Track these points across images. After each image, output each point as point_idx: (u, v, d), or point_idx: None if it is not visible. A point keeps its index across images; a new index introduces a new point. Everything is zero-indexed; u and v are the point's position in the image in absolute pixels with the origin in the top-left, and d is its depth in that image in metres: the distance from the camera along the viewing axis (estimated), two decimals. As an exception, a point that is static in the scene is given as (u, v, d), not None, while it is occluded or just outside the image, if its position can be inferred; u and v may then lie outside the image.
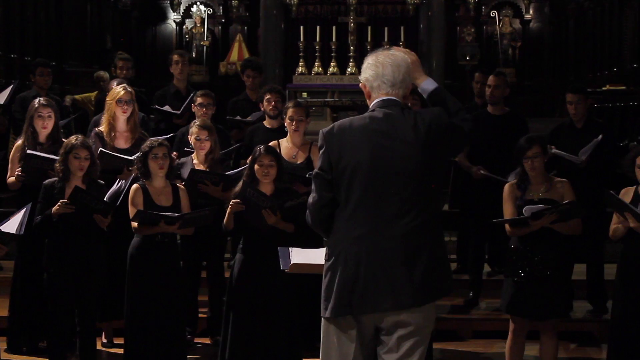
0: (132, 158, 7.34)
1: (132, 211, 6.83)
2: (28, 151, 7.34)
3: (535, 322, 6.68)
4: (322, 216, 4.58)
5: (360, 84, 4.69)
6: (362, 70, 4.65)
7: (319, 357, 4.71)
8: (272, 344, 6.82)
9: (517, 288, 6.56)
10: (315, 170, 4.60)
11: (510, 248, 6.65)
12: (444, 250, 4.63)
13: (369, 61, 4.62)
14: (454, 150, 4.83)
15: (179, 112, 9.09)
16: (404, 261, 4.42)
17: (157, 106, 9.30)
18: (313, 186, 4.60)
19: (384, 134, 4.48)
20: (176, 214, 6.75)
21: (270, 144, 7.51)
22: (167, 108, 9.20)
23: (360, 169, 4.45)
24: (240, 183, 6.91)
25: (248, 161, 7.08)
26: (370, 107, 4.62)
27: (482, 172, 8.33)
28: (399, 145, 4.46)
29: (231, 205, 6.77)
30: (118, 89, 7.76)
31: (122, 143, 7.70)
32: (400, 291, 4.41)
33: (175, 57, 9.71)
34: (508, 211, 6.67)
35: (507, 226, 6.63)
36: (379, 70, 4.58)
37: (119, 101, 7.66)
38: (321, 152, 4.55)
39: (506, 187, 6.76)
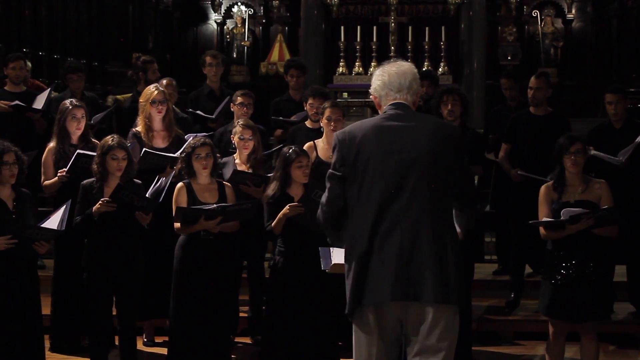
0: (176, 156, 7.39)
1: (175, 210, 6.86)
2: (78, 150, 7.38)
3: (575, 324, 6.63)
4: (335, 214, 4.69)
5: (370, 96, 4.84)
6: (372, 82, 4.81)
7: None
8: (311, 344, 6.82)
9: (555, 290, 6.51)
10: (330, 170, 4.71)
11: (548, 250, 6.60)
12: (454, 254, 4.62)
13: (377, 73, 4.80)
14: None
15: (213, 116, 9.09)
16: (411, 254, 4.50)
17: (191, 109, 9.31)
18: (327, 185, 4.71)
19: (397, 131, 4.60)
20: (216, 205, 6.76)
21: (306, 144, 7.54)
22: (200, 112, 9.20)
23: (371, 164, 4.56)
24: (272, 186, 6.89)
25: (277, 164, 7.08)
26: (381, 112, 4.76)
27: (520, 173, 8.29)
28: (411, 142, 4.57)
29: (289, 208, 6.75)
30: (151, 89, 7.80)
31: (159, 142, 7.74)
32: (402, 284, 4.49)
33: (208, 58, 9.71)
34: (543, 213, 6.61)
35: (541, 229, 6.58)
36: (385, 79, 4.73)
37: (152, 102, 7.70)
38: (335, 151, 4.68)
39: (542, 188, 6.70)
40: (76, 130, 7.60)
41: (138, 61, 10.02)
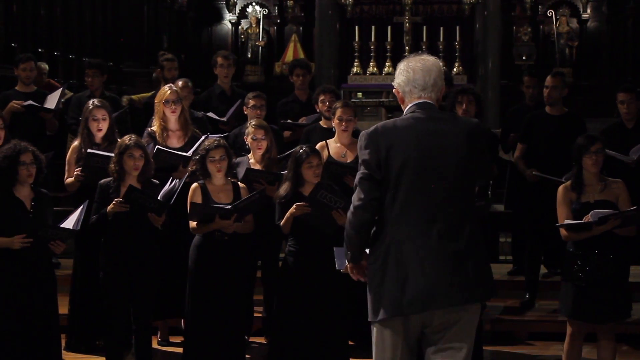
0: (188, 154, 7.40)
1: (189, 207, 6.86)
2: (88, 150, 7.41)
3: (594, 325, 6.61)
4: (370, 217, 4.58)
5: (393, 90, 4.75)
6: (395, 76, 4.73)
7: (369, 359, 4.74)
8: (321, 344, 6.82)
9: (577, 292, 6.49)
10: (361, 171, 4.60)
11: (569, 252, 6.57)
12: (486, 252, 4.65)
13: (401, 67, 4.71)
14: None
15: (225, 119, 9.09)
16: (452, 260, 4.46)
17: (202, 112, 9.29)
18: (361, 188, 4.58)
19: (430, 133, 4.53)
20: (228, 205, 6.77)
21: (318, 144, 7.53)
22: (211, 114, 9.21)
23: (408, 168, 4.48)
24: (285, 186, 6.90)
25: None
26: (405, 111, 4.67)
27: (535, 173, 8.27)
28: (444, 145, 4.51)
29: (295, 208, 6.77)
30: (165, 89, 7.81)
31: (175, 142, 7.75)
32: (450, 289, 4.44)
33: (220, 59, 9.68)
34: (563, 214, 6.58)
35: (562, 230, 6.56)
36: (409, 75, 4.64)
37: (166, 102, 7.71)
38: (367, 152, 4.56)
39: (560, 189, 6.68)
40: (97, 130, 7.61)
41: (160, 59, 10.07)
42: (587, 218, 6.36)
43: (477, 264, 4.51)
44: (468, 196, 4.58)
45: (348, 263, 4.77)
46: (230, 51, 11.26)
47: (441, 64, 4.70)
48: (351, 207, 4.61)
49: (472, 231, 4.52)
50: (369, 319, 4.62)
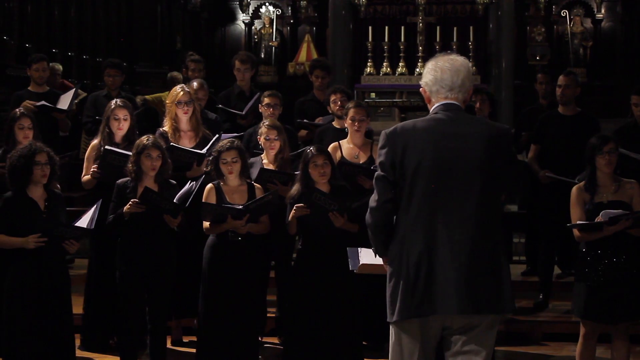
0: (203, 152, 7.41)
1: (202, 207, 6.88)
2: (106, 147, 7.43)
3: (607, 325, 6.59)
4: (384, 218, 4.57)
5: (420, 89, 4.71)
6: (423, 75, 4.69)
7: (383, 359, 4.73)
8: (333, 344, 6.82)
9: (590, 292, 6.47)
10: (377, 172, 4.60)
11: (582, 252, 6.55)
12: (507, 263, 4.58)
13: (429, 66, 4.66)
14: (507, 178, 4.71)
15: (243, 112, 9.13)
16: (466, 267, 4.42)
17: (221, 105, 9.35)
18: (376, 188, 4.59)
19: (449, 136, 4.48)
20: (240, 205, 6.78)
21: (331, 145, 7.54)
22: (230, 109, 9.25)
23: (424, 170, 4.45)
24: (296, 187, 6.93)
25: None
26: (431, 111, 4.63)
27: (548, 174, 8.26)
28: (462, 148, 4.46)
29: (295, 209, 6.79)
30: (177, 90, 7.83)
31: (186, 142, 7.76)
32: (461, 296, 4.41)
33: (237, 63, 9.69)
34: (576, 215, 6.56)
35: (575, 231, 6.54)
36: (437, 75, 4.60)
37: (178, 103, 7.73)
38: (383, 152, 4.55)
39: (574, 190, 6.65)
40: (118, 130, 7.63)
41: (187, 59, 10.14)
42: (599, 219, 6.34)
43: (494, 274, 4.46)
44: (489, 202, 4.50)
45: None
46: (248, 52, 11.26)
47: (470, 64, 4.65)
48: (369, 208, 4.62)
49: (492, 240, 4.48)
50: (387, 320, 4.61)
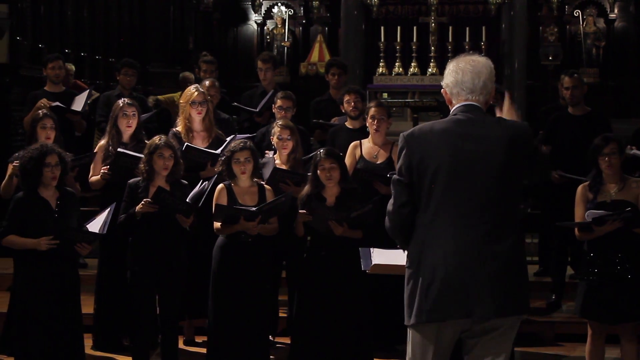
0: (217, 152, 7.42)
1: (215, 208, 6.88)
2: (118, 149, 7.44)
3: (613, 325, 6.56)
4: (402, 222, 4.53)
5: (442, 90, 4.67)
6: (444, 76, 4.64)
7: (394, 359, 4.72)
8: (341, 344, 6.83)
9: (588, 291, 6.46)
10: (395, 175, 4.57)
11: (584, 251, 6.56)
12: (524, 264, 4.58)
13: (450, 67, 4.61)
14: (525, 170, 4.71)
15: (257, 110, 9.15)
16: (483, 271, 4.37)
17: (236, 103, 9.39)
18: (393, 192, 4.57)
19: (467, 137, 4.43)
20: (254, 207, 6.77)
21: (352, 144, 7.55)
22: (245, 107, 9.28)
23: (442, 173, 4.41)
24: (306, 188, 6.95)
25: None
26: (451, 112, 4.59)
27: (559, 174, 8.25)
28: (481, 150, 4.41)
29: (299, 215, 6.86)
30: (191, 90, 7.84)
31: (199, 143, 7.78)
32: (485, 299, 4.36)
33: (259, 63, 9.83)
34: (579, 214, 6.58)
35: (576, 230, 6.54)
36: (458, 76, 4.55)
37: (192, 103, 7.75)
38: (402, 155, 4.52)
39: (579, 189, 6.67)
40: (127, 128, 7.65)
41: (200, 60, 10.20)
42: (587, 219, 6.37)
43: (516, 275, 4.43)
44: (508, 204, 4.46)
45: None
46: (270, 52, 11.28)
47: (492, 65, 4.58)
48: (387, 211, 4.60)
49: (511, 242, 4.43)
50: (404, 323, 4.59)
